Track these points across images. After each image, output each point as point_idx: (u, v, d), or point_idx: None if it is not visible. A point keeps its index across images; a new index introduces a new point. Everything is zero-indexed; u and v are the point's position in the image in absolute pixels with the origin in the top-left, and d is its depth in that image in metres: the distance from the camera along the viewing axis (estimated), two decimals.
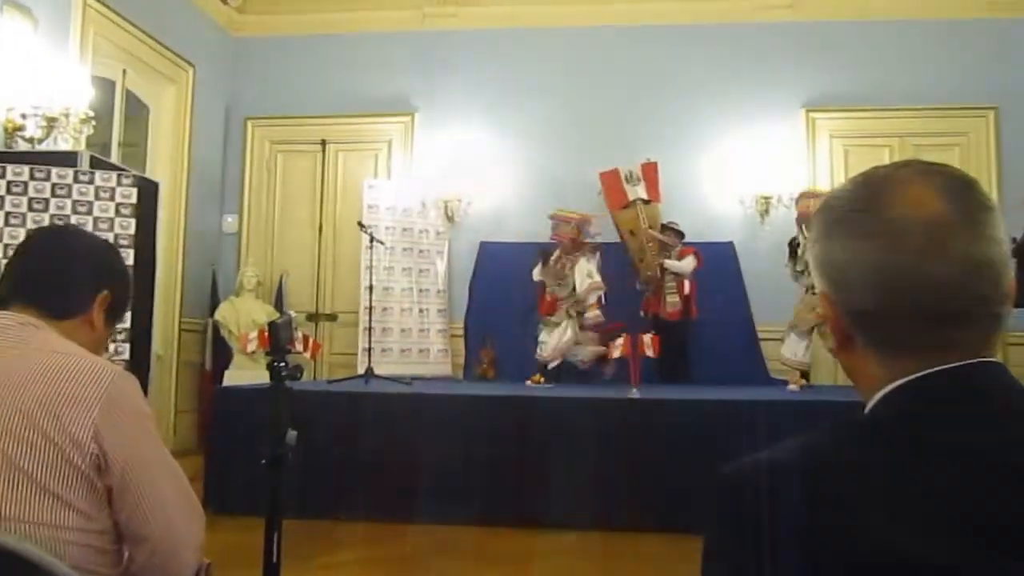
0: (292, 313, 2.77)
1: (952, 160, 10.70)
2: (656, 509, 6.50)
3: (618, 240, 10.66)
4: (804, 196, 9.32)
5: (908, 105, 10.88)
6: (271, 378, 2.50)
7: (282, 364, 2.50)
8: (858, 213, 1.22)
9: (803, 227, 8.85)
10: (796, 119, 11.10)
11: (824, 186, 10.67)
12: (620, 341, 8.01)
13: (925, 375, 1.17)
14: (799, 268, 8.96)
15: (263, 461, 2.59)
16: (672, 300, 10.10)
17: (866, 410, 1.23)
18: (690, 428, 6.70)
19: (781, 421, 6.46)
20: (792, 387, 8.87)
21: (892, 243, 1.18)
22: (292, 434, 2.56)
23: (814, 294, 8.84)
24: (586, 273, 9.65)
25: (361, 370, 9.34)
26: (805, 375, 9.18)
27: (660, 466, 6.64)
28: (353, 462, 6.92)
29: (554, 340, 9.68)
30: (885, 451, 1.13)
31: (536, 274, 9.99)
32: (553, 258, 9.80)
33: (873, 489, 1.09)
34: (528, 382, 9.29)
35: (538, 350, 9.68)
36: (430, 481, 6.70)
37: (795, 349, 8.96)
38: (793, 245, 9.09)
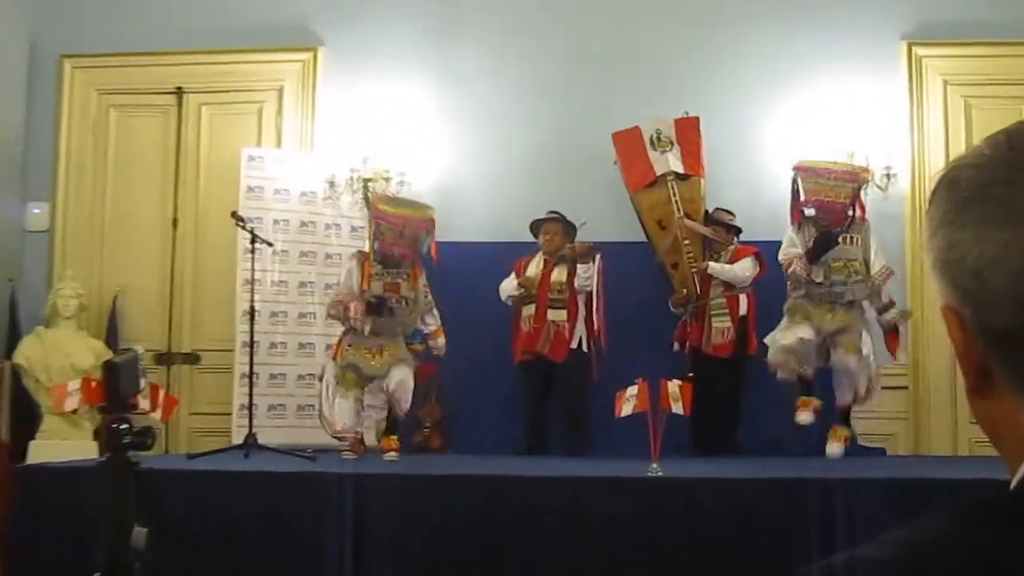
0: (139, 349, 2.70)
1: None
2: None
3: (641, 235, 10.77)
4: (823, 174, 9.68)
5: None
6: (107, 448, 2.45)
7: (124, 427, 2.45)
8: (1000, 188, 1.21)
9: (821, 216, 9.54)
10: (894, 56, 11.24)
11: (905, 153, 10.71)
12: (633, 391, 7.96)
13: None
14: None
15: (95, 575, 2.54)
16: (721, 326, 10.12)
17: (1012, 484, 1.21)
18: (738, 523, 6.68)
19: (875, 511, 6.47)
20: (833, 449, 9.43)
21: None
22: (140, 533, 2.50)
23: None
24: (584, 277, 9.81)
25: (239, 438, 9.27)
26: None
27: None
28: None
29: None
30: None
31: (508, 290, 9.96)
32: (532, 264, 9.77)
33: None
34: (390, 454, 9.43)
35: None
36: None
37: None
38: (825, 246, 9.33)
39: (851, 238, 9.52)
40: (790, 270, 9.49)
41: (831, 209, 9.56)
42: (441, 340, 9.95)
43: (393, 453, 9.45)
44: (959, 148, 10.78)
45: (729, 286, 10.23)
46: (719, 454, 9.76)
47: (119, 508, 2.49)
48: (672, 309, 10.48)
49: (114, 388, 2.57)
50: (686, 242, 10.41)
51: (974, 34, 11.07)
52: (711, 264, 10.27)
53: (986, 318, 1.21)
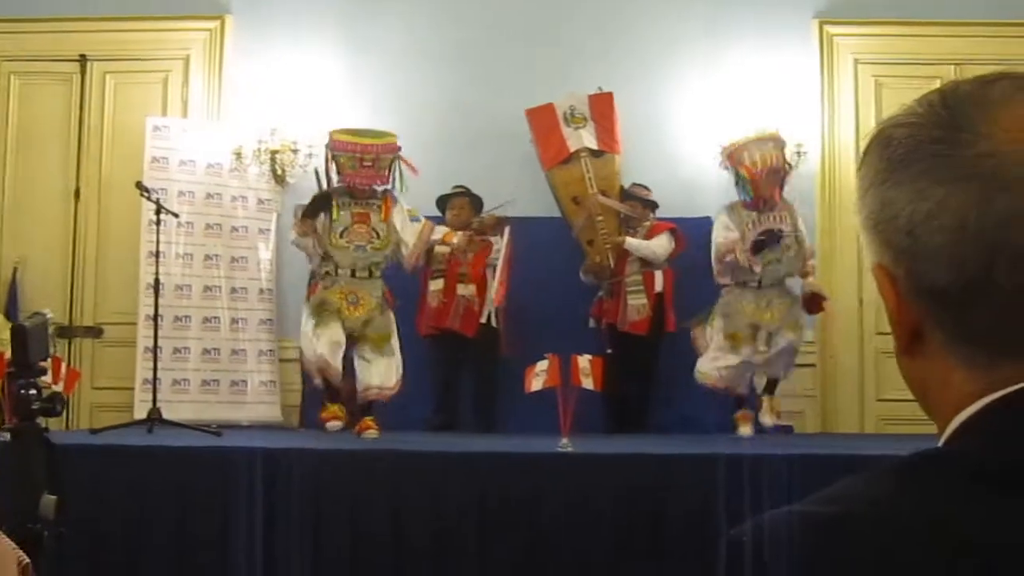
0: (48, 313, 2.63)
1: None
2: None
3: (556, 211, 10.81)
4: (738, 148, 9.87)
5: (966, 18, 11.18)
6: (15, 413, 2.39)
7: (33, 393, 2.39)
8: (934, 146, 1.21)
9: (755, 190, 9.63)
10: (806, 35, 11.35)
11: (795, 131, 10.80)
12: (543, 366, 7.96)
13: None
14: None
15: None
16: (637, 303, 10.16)
17: (941, 440, 1.23)
18: (648, 498, 6.72)
19: (784, 486, 6.53)
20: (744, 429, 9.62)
21: (986, 189, 1.16)
22: (49, 501, 2.44)
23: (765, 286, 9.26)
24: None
25: (141, 413, 9.17)
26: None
27: (605, 557, 6.64)
28: (129, 560, 6.78)
29: None
30: (974, 502, 1.12)
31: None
32: (438, 240, 9.73)
33: (957, 562, 1.09)
34: (369, 432, 9.05)
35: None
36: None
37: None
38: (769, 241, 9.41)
39: (780, 216, 9.58)
40: (728, 258, 9.51)
41: (774, 176, 9.65)
42: (457, 238, 9.95)
43: (373, 432, 8.99)
44: (869, 126, 10.77)
45: (646, 263, 10.25)
46: (630, 431, 9.81)
47: (28, 476, 2.44)
48: (582, 278, 10.49)
49: (23, 353, 2.51)
50: (600, 219, 10.42)
51: (884, 13, 11.22)
52: (628, 239, 10.29)
53: (920, 276, 1.21)
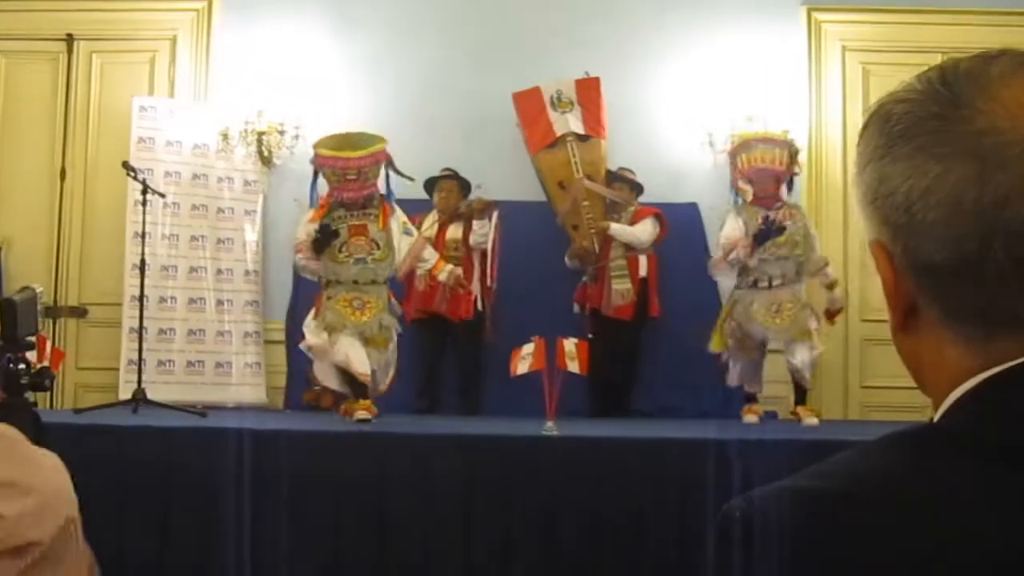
0: (38, 288, 2.62)
1: None
2: None
3: (542, 195, 10.81)
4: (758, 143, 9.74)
5: (956, 6, 11.19)
6: (4, 387, 2.38)
7: (22, 367, 2.38)
8: (933, 122, 1.22)
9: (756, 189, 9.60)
10: (794, 22, 11.38)
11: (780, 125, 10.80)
12: (529, 349, 7.96)
13: None
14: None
15: None
16: (621, 288, 10.17)
17: (936, 416, 1.24)
18: (632, 483, 6.73)
19: (768, 472, 6.54)
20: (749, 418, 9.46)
21: (984, 165, 1.16)
22: None
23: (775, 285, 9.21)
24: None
25: (126, 393, 9.17)
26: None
27: (588, 542, 6.65)
28: (114, 540, 6.77)
29: None
30: (969, 477, 1.13)
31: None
32: (428, 266, 9.65)
33: (950, 536, 1.10)
34: (360, 413, 8.81)
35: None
36: (236, 563, 6.61)
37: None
38: (770, 231, 9.35)
39: (789, 213, 9.54)
40: (732, 255, 9.48)
41: (766, 173, 9.56)
42: (444, 274, 9.48)
43: (364, 413, 8.69)
44: (856, 114, 10.95)
45: (630, 248, 10.25)
46: (614, 416, 9.83)
47: None
48: (567, 262, 10.49)
49: (11, 327, 2.50)
50: (586, 203, 10.42)
51: (873, 1, 11.19)
52: (612, 225, 10.28)
53: (916, 252, 1.22)
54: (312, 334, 9.03)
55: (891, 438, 1.21)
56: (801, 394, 9.59)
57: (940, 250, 1.19)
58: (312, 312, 9.16)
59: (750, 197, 9.63)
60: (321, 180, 9.25)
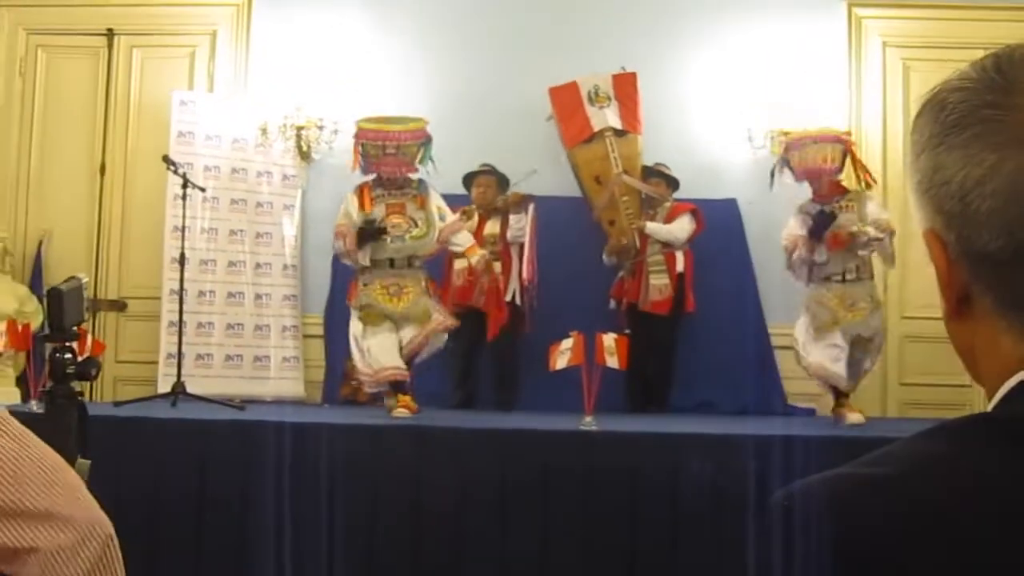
0: (84, 278, 2.64)
1: None
2: None
3: (576, 191, 10.78)
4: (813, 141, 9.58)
5: (998, 2, 11.07)
6: (51, 376, 2.40)
7: (68, 356, 2.40)
8: (988, 111, 1.21)
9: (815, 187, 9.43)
10: (834, 16, 11.28)
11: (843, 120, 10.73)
12: (568, 344, 7.95)
13: None
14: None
15: None
16: (659, 283, 10.15)
17: (991, 406, 1.24)
18: (672, 477, 6.72)
19: (806, 469, 6.52)
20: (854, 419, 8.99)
21: None
22: (83, 465, 2.45)
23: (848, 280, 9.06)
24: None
25: (165, 387, 9.21)
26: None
27: (627, 537, 6.65)
28: (149, 531, 6.80)
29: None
30: (1018, 465, 1.15)
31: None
32: (460, 249, 9.64)
33: (997, 521, 1.11)
34: (399, 410, 8.77)
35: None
36: (273, 555, 6.63)
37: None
38: (825, 220, 9.23)
39: (847, 206, 9.43)
40: (795, 255, 9.39)
41: (820, 172, 9.39)
42: (476, 258, 9.57)
43: (403, 411, 8.65)
44: (896, 110, 10.96)
45: (667, 244, 10.21)
46: (651, 412, 9.82)
47: (61, 439, 2.44)
48: (605, 259, 10.46)
49: (58, 316, 2.51)
50: (624, 198, 10.40)
51: None
52: (648, 224, 10.24)
53: (970, 241, 1.22)
54: (353, 325, 9.09)
55: (943, 426, 1.21)
56: (841, 392, 9.47)
57: (995, 239, 1.19)
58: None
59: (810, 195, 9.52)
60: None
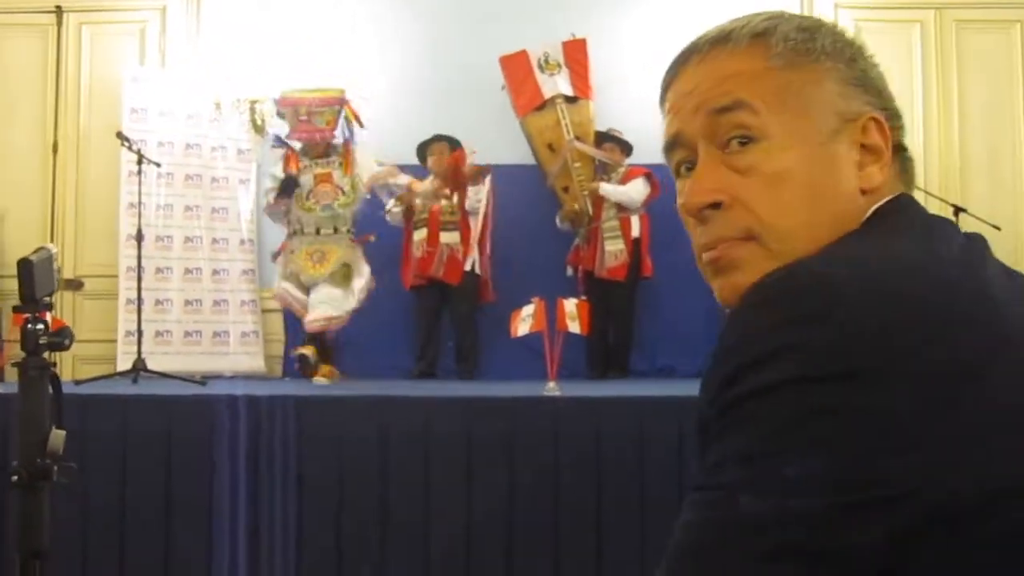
0: (53, 248, 2.63)
1: (1013, 43, 11.01)
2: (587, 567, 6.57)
3: (531, 158, 10.81)
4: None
5: None
6: (23, 347, 2.41)
7: (40, 327, 2.40)
8: None
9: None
10: None
11: None
12: (529, 310, 7.93)
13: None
14: None
15: (13, 478, 2.51)
16: (614, 248, 10.17)
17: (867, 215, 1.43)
18: (636, 441, 6.76)
19: None
20: None
21: None
22: (58, 436, 2.46)
23: None
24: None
25: (124, 364, 9.19)
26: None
27: (591, 504, 6.69)
28: (115, 510, 6.80)
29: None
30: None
31: (394, 215, 9.99)
32: (402, 185, 9.74)
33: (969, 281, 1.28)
34: (318, 378, 9.11)
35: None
36: (234, 525, 6.66)
37: None
38: None
39: None
40: None
41: None
42: (422, 187, 9.92)
43: (322, 379, 9.06)
44: None
45: (622, 208, 10.22)
46: (612, 377, 9.87)
47: (35, 411, 2.45)
48: (559, 225, 10.48)
49: (29, 287, 2.51)
50: (576, 165, 10.44)
51: None
52: (603, 185, 10.24)
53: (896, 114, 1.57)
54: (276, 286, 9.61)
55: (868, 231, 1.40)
56: None
57: None
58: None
59: None
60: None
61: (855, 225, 1.40)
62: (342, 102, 9.55)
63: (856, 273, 1.25)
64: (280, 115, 9.66)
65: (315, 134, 9.48)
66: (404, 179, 9.79)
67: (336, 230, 9.42)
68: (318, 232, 9.40)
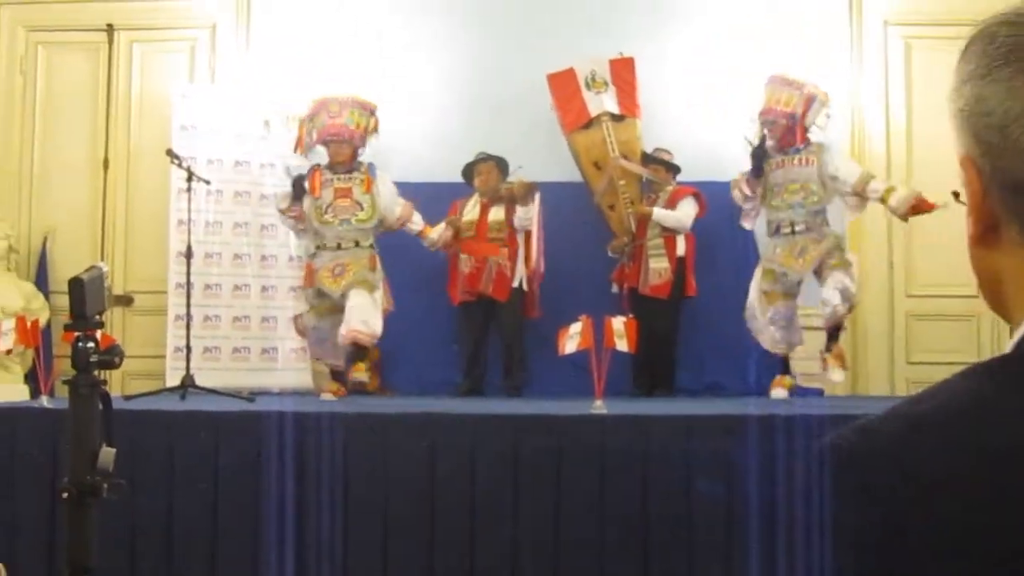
0: (104, 266, 2.65)
1: None
2: None
3: (577, 175, 10.77)
4: (775, 83, 9.65)
5: None
6: (73, 365, 2.42)
7: (91, 345, 2.42)
8: None
9: (768, 130, 9.52)
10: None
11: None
12: (577, 328, 7.92)
13: None
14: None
15: (63, 495, 2.53)
16: (658, 266, 10.14)
17: (1015, 337, 1.28)
18: (683, 459, 6.74)
19: (815, 447, 6.54)
20: (777, 393, 9.37)
21: None
22: (108, 453, 2.47)
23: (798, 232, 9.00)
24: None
25: (173, 380, 9.23)
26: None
27: (638, 522, 6.67)
28: (162, 525, 6.83)
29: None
30: None
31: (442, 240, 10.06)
32: (469, 206, 9.78)
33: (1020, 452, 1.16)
34: (325, 395, 9.26)
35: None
36: (280, 541, 6.67)
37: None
38: (758, 154, 9.43)
39: (805, 159, 9.41)
40: (734, 192, 9.49)
41: (775, 116, 9.44)
42: (434, 236, 9.96)
43: (329, 395, 9.28)
44: (898, 89, 10.95)
45: (667, 230, 10.23)
46: (658, 395, 9.84)
47: (85, 428, 2.46)
48: (610, 254, 10.47)
49: (80, 305, 2.53)
50: (622, 183, 10.41)
51: None
52: (655, 210, 10.21)
53: (1005, 172, 1.26)
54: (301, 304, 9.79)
55: (977, 366, 1.25)
56: (833, 336, 9.47)
57: None
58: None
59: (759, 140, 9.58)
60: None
61: None
62: (371, 108, 9.70)
63: None
64: (313, 119, 9.77)
65: (343, 131, 9.59)
66: (418, 223, 9.91)
67: (358, 243, 9.50)
68: (339, 247, 9.48)
